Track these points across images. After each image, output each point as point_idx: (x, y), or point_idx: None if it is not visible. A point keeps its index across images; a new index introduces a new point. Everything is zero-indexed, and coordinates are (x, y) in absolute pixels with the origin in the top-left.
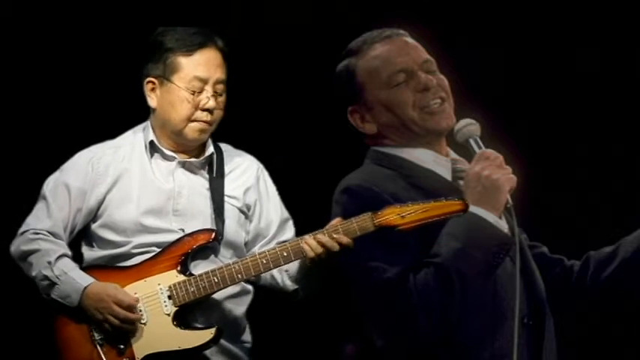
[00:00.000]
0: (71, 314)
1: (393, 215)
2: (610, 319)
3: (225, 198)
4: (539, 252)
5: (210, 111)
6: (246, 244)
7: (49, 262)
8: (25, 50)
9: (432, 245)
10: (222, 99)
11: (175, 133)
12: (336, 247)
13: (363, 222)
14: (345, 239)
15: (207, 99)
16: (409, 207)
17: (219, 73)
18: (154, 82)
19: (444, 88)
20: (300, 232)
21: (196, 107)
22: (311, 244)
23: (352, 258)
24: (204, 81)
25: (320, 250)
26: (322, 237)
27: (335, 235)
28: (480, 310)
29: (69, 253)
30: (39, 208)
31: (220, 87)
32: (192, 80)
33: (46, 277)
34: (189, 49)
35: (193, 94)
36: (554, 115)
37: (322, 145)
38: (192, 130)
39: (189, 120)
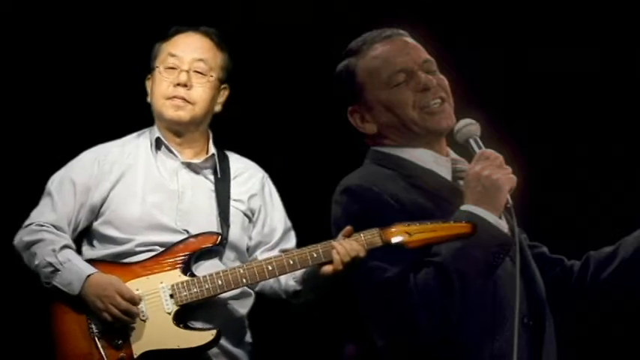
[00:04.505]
0: (70, 305)
1: (400, 233)
2: (610, 319)
3: (231, 201)
4: (539, 252)
5: (185, 86)
6: (248, 249)
7: (54, 250)
8: (33, 48)
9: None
10: (204, 80)
11: (160, 118)
12: (363, 254)
13: (372, 237)
14: (363, 252)
15: (180, 73)
16: (417, 226)
17: (197, 52)
18: (149, 77)
19: (444, 88)
20: (300, 232)
21: (172, 84)
22: (341, 251)
23: None
24: (179, 58)
25: (348, 258)
26: (352, 244)
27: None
28: (480, 310)
29: (73, 245)
30: (43, 203)
31: (201, 65)
32: (166, 58)
33: (49, 264)
34: (170, 35)
35: (169, 70)
36: (554, 115)
37: (322, 146)
38: (167, 107)
39: (166, 97)
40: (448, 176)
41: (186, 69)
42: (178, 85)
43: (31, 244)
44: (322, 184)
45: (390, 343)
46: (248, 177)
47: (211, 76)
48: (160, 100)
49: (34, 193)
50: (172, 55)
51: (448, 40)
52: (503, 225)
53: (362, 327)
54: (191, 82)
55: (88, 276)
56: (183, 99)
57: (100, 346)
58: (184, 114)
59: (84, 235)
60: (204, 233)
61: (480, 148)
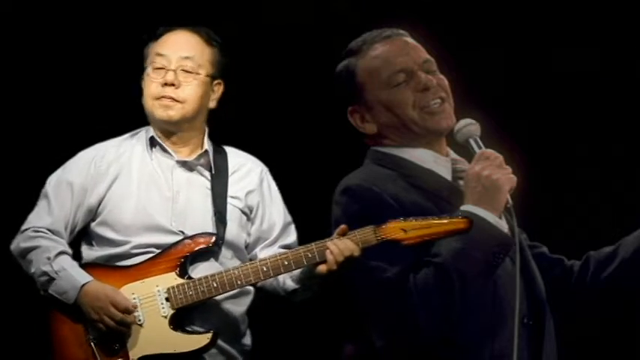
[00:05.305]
0: (67, 312)
1: (396, 230)
2: (610, 319)
3: (228, 199)
4: (539, 252)
5: (172, 85)
6: (247, 246)
7: (49, 258)
8: (32, 48)
9: (432, 245)
10: (192, 78)
11: (152, 120)
12: (357, 252)
13: (366, 235)
14: (357, 251)
15: (166, 72)
16: (413, 222)
17: (184, 50)
18: (143, 78)
19: (444, 88)
20: (300, 232)
21: (160, 84)
22: (334, 250)
23: None
24: (166, 57)
25: (342, 257)
26: (346, 243)
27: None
28: (480, 310)
29: (69, 250)
30: (41, 205)
31: (188, 64)
32: (155, 58)
33: (44, 273)
34: (158, 35)
35: (157, 71)
36: (554, 115)
37: (322, 146)
38: (157, 107)
39: (155, 98)
40: (448, 176)
41: (174, 68)
42: (166, 84)
43: (27, 252)
44: (322, 184)
45: (389, 343)
46: (246, 172)
47: (199, 74)
48: (150, 100)
49: (32, 193)
50: (160, 55)
51: (448, 40)
52: (503, 225)
53: (361, 327)
54: (179, 80)
55: (83, 285)
56: (172, 98)
57: (96, 351)
58: (174, 113)
59: (82, 236)
60: (199, 234)
61: (480, 148)
